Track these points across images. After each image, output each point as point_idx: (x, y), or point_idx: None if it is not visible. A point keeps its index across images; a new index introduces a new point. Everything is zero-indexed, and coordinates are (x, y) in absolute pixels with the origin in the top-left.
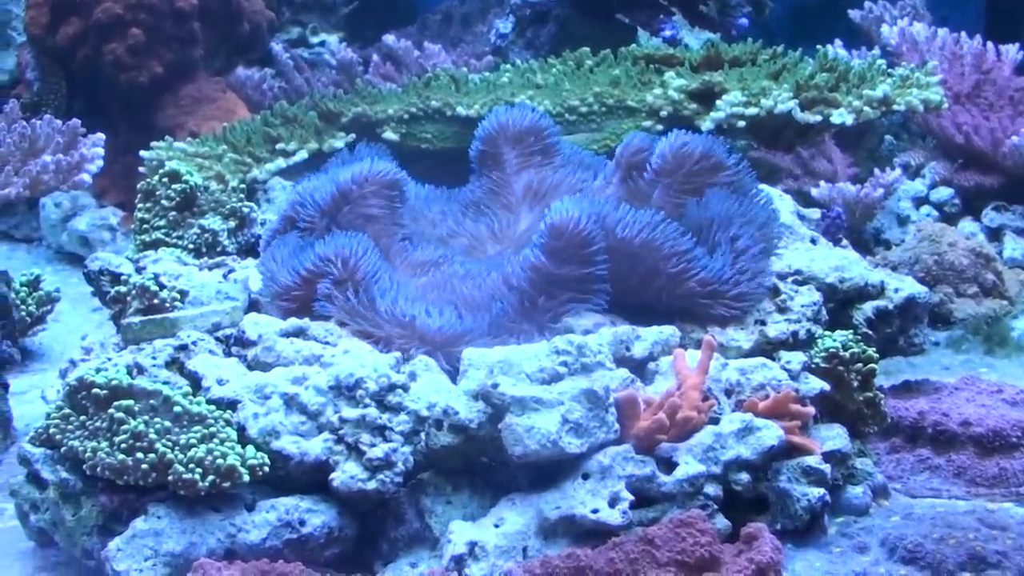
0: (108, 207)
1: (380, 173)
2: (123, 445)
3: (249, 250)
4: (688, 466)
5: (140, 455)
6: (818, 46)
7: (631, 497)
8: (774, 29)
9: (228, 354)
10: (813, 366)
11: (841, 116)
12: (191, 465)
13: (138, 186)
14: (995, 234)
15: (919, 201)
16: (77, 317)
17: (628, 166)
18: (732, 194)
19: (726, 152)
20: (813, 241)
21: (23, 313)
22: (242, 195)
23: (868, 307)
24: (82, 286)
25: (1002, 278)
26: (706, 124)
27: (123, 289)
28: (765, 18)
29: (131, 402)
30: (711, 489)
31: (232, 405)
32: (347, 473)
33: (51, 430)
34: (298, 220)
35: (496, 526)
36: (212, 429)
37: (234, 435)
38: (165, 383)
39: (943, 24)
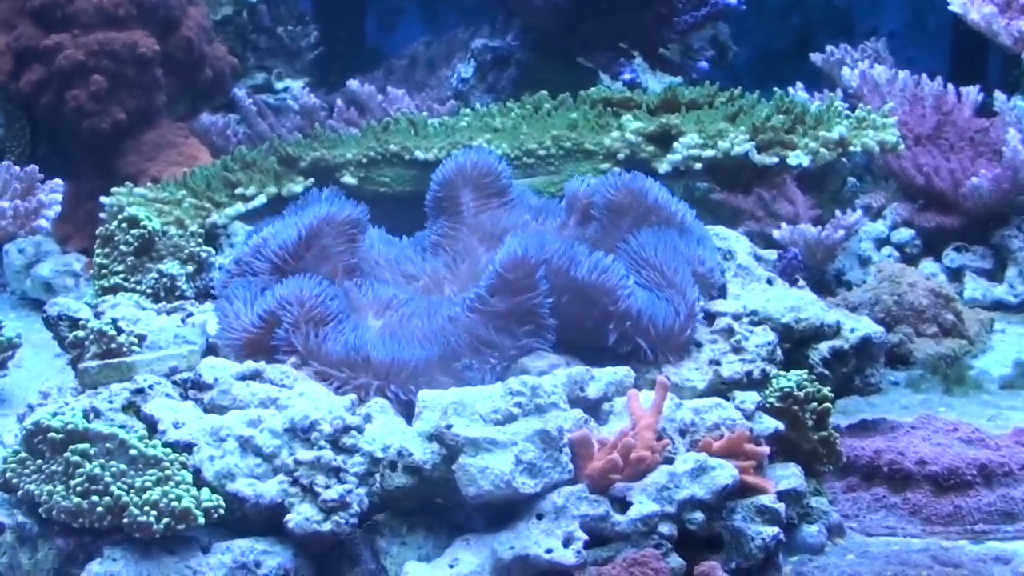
0: (72, 253)
1: (339, 214)
2: (79, 488)
3: (207, 294)
4: (642, 505)
5: (95, 498)
6: (775, 88)
7: (585, 537)
8: (741, 72)
9: (185, 397)
10: (768, 406)
11: (797, 158)
12: (146, 508)
13: (96, 232)
14: (956, 274)
15: (880, 242)
16: (40, 363)
17: (581, 208)
18: (671, 230)
19: (665, 190)
20: (769, 282)
21: None
22: (200, 240)
23: (824, 347)
24: (45, 332)
25: (962, 318)
26: (663, 166)
27: (81, 334)
28: (730, 62)
29: (87, 446)
30: (665, 528)
31: (188, 448)
32: (302, 515)
33: (7, 474)
34: (256, 263)
35: (451, 566)
36: (167, 472)
37: (189, 478)
38: (121, 427)
39: (909, 65)
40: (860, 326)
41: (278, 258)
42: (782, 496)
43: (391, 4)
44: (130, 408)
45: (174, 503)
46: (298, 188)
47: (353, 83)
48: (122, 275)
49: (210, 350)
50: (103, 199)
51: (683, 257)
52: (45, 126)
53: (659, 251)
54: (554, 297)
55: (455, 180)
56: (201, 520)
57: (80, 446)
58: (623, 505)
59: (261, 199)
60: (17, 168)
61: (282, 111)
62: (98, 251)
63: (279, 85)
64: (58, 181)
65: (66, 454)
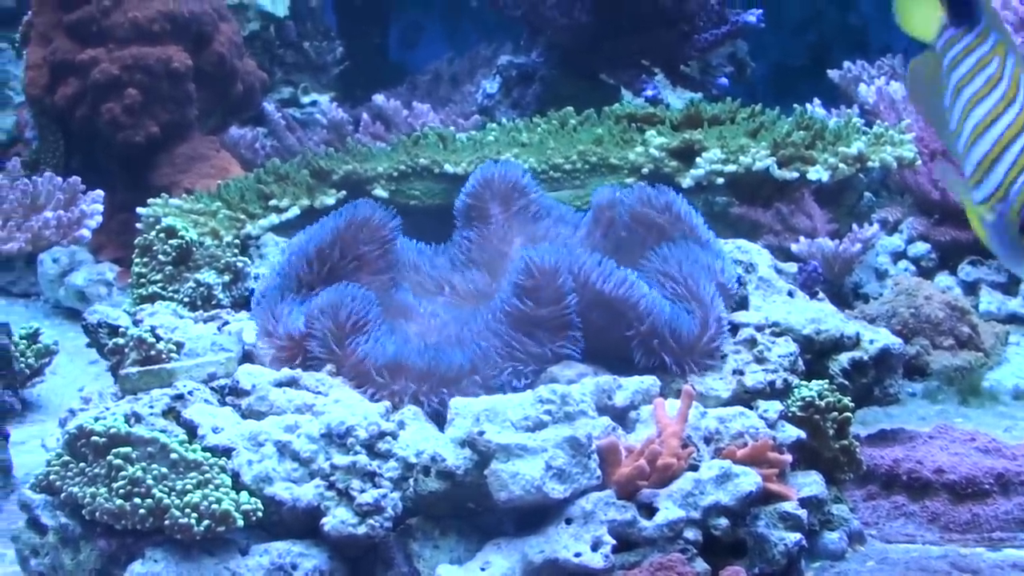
0: (105, 262)
1: (373, 219)
2: (121, 491)
3: (243, 303)
4: (668, 511)
5: (138, 500)
6: (795, 105)
7: (613, 541)
8: (758, 88)
9: (223, 403)
10: (790, 415)
11: (817, 173)
12: (187, 510)
13: (135, 241)
14: (971, 288)
15: (897, 256)
16: (74, 370)
17: (605, 220)
18: (695, 244)
19: (688, 204)
20: (790, 294)
21: (22, 365)
22: (236, 250)
23: (844, 358)
24: (79, 340)
25: (977, 331)
26: (686, 181)
27: (121, 341)
28: (748, 78)
29: (129, 449)
30: (691, 534)
31: (227, 452)
32: (338, 518)
33: (51, 477)
34: (292, 271)
35: (482, 570)
36: (207, 475)
37: (229, 481)
38: (162, 431)
39: None
40: (879, 338)
41: (313, 264)
42: (804, 503)
43: (413, 20)
44: (170, 413)
45: (214, 506)
46: (330, 200)
47: (379, 98)
48: (160, 284)
49: (247, 357)
50: (140, 210)
51: (708, 271)
52: (79, 139)
53: (684, 265)
54: (581, 308)
55: (483, 192)
56: (240, 523)
57: (122, 450)
58: (650, 511)
59: (294, 211)
60: (60, 179)
61: (309, 125)
62: (137, 260)
63: (305, 99)
64: (99, 192)
65: (108, 457)
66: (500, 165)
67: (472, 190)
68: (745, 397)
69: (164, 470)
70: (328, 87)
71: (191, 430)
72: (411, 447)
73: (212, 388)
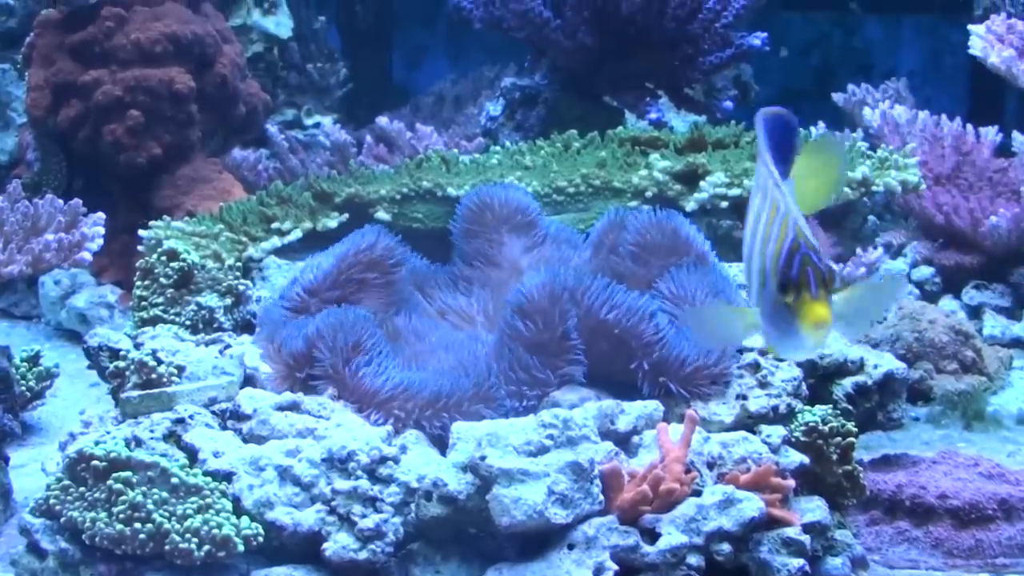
0: (106, 285)
1: (378, 247)
2: (121, 515)
3: (245, 327)
4: (671, 537)
5: (138, 525)
6: (800, 129)
7: (616, 567)
8: None
9: (224, 428)
10: (793, 440)
11: None
12: (187, 535)
13: (137, 264)
14: (975, 312)
15: None
16: (75, 393)
17: (609, 243)
18: (704, 269)
19: (695, 228)
20: None
21: (23, 388)
22: (238, 273)
23: (847, 382)
24: (80, 362)
25: (981, 355)
26: (690, 205)
27: (122, 364)
28: (752, 101)
29: (129, 474)
30: (693, 559)
31: (228, 477)
32: (339, 543)
33: (51, 501)
34: (297, 295)
35: None
36: (208, 500)
37: (229, 506)
38: (163, 455)
39: (927, 105)
40: (883, 362)
41: (316, 287)
42: (807, 529)
43: (416, 42)
44: (171, 437)
45: (215, 531)
46: (333, 223)
47: (382, 120)
48: (161, 307)
49: (248, 381)
50: (142, 232)
51: (721, 297)
52: (81, 160)
53: (699, 292)
54: (585, 334)
55: (482, 215)
56: (241, 548)
57: (123, 474)
58: (652, 536)
59: (296, 234)
60: (61, 202)
61: (312, 147)
62: (138, 283)
63: (308, 121)
64: (100, 215)
65: (109, 482)
66: (500, 187)
67: (469, 211)
68: (748, 422)
69: (164, 495)
70: (331, 109)
71: (192, 454)
72: (413, 472)
73: (213, 412)
